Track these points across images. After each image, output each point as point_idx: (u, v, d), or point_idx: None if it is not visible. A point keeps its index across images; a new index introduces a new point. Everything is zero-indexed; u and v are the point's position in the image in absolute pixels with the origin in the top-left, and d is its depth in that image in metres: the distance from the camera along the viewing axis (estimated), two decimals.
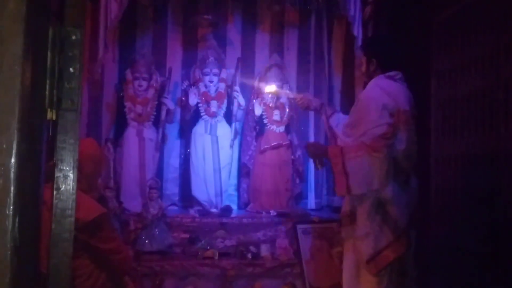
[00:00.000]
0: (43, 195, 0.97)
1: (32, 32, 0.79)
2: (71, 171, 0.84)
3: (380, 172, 2.18)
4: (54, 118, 0.95)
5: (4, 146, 0.70)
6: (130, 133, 4.09)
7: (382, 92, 2.26)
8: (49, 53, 0.86)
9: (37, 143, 0.87)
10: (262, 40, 4.76)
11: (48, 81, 0.87)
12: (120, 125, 4.20)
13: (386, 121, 2.19)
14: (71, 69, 0.88)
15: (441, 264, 3.12)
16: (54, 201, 0.83)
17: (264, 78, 4.30)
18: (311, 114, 4.51)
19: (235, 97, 4.21)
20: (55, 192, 0.83)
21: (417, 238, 2.35)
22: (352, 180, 2.19)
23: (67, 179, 0.83)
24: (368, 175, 2.20)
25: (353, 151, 2.22)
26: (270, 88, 3.81)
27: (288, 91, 4.15)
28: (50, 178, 0.90)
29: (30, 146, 0.80)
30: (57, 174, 0.84)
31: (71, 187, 0.83)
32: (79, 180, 2.03)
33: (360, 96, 2.38)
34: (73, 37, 0.88)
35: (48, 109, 0.95)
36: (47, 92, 0.87)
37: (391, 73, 2.34)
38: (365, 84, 2.45)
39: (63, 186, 0.83)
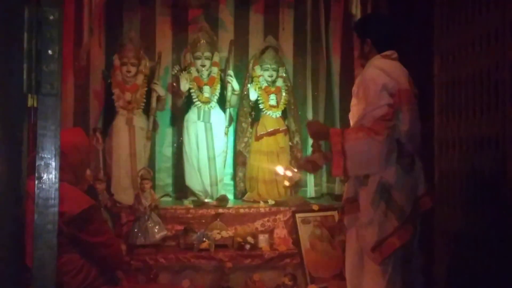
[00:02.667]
0: (28, 187, 0.97)
1: (6, 12, 0.78)
2: (53, 159, 0.84)
3: (380, 154, 2.19)
4: (35, 104, 0.94)
5: None
6: (119, 122, 4.07)
7: (380, 73, 2.27)
8: (25, 35, 0.85)
9: (17, 130, 0.87)
10: (256, 21, 4.73)
11: (25, 65, 0.86)
12: (109, 113, 4.17)
13: (386, 102, 2.20)
14: (49, 51, 0.87)
15: (446, 250, 3.15)
16: (36, 191, 0.83)
17: (259, 61, 4.28)
18: (309, 97, 4.50)
19: (228, 82, 4.19)
20: (36, 182, 0.83)
21: (421, 224, 2.37)
22: (349, 162, 2.21)
23: (48, 167, 0.83)
24: (366, 158, 2.22)
25: (353, 132, 2.26)
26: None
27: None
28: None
29: (8, 133, 0.80)
30: (38, 162, 0.84)
31: (53, 176, 0.83)
32: (66, 172, 2.04)
33: (359, 79, 2.39)
34: (51, 17, 0.86)
35: (29, 96, 0.94)
36: (24, 76, 0.86)
37: (387, 53, 2.37)
38: (362, 67, 2.46)
39: (45, 175, 0.83)
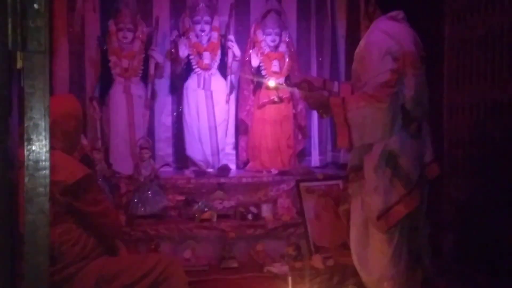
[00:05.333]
0: (21, 155, 0.95)
1: None
2: (42, 119, 0.81)
3: (384, 122, 2.16)
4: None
5: None
6: (117, 90, 4.04)
7: (384, 35, 2.22)
8: None
9: (2, 88, 0.84)
10: None
11: (9, 20, 0.83)
12: (106, 81, 4.14)
13: (389, 67, 2.15)
14: (35, 5, 0.84)
15: (454, 219, 3.16)
16: (26, 153, 0.81)
17: (260, 25, 4.21)
18: (313, 64, 4.44)
19: (229, 47, 4.13)
20: (25, 143, 0.81)
21: (429, 192, 2.36)
22: (354, 132, 2.19)
23: (38, 127, 0.81)
24: (371, 127, 2.19)
25: (355, 101, 2.21)
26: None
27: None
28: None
29: None
30: (26, 123, 0.82)
31: (43, 137, 0.81)
32: (60, 139, 2.02)
33: (361, 42, 2.33)
34: None
35: (18, 56, 0.91)
36: (9, 32, 0.83)
37: (393, 13, 2.30)
38: (366, 28, 2.40)
39: (34, 135, 0.81)
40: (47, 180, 0.83)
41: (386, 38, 2.21)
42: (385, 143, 2.20)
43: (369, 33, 2.31)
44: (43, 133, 0.82)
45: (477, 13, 2.94)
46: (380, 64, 2.17)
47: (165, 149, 4.51)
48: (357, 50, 2.35)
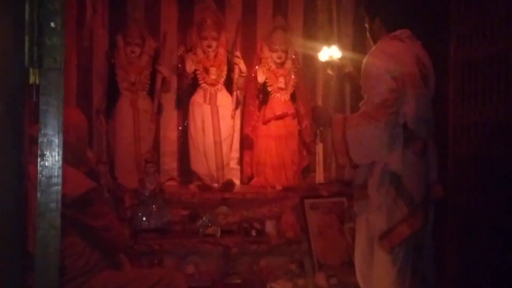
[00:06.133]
0: (28, 171, 0.96)
1: None
2: (56, 136, 0.83)
3: (381, 141, 2.18)
4: (37, 82, 0.93)
5: None
6: (123, 104, 4.07)
7: (383, 56, 2.24)
8: (26, 6, 0.84)
9: (18, 105, 0.86)
10: (265, 0, 4.67)
11: (27, 38, 0.85)
12: (112, 95, 4.16)
13: (387, 87, 2.17)
14: (52, 24, 0.86)
15: (459, 239, 3.13)
16: (39, 169, 0.82)
17: (267, 42, 4.24)
18: (319, 80, 4.46)
19: (236, 63, 4.15)
20: (39, 159, 0.82)
21: (434, 212, 2.35)
22: (351, 149, 2.22)
23: (51, 144, 0.82)
24: (368, 145, 2.22)
25: (354, 120, 2.26)
26: None
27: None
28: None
29: (9, 108, 0.79)
30: (41, 139, 0.83)
31: (57, 153, 0.82)
32: (65, 153, 2.04)
33: (364, 61, 2.36)
34: None
35: (31, 72, 0.92)
36: (26, 50, 0.85)
37: (397, 33, 2.31)
38: (370, 47, 2.43)
39: (48, 152, 0.82)
40: (59, 196, 0.83)
41: (384, 58, 2.24)
42: (385, 162, 2.20)
43: (370, 53, 2.34)
44: (57, 149, 0.83)
45: (482, 35, 2.96)
46: (379, 84, 2.19)
47: (170, 163, 4.51)
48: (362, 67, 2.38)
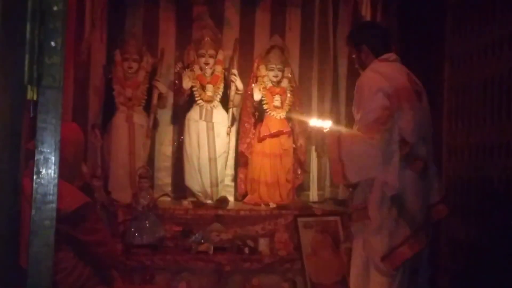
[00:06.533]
0: (23, 186, 0.96)
1: (8, 1, 0.77)
2: (52, 154, 0.83)
3: (375, 158, 2.19)
4: (35, 98, 0.94)
5: None
6: (119, 118, 4.07)
7: (375, 75, 2.29)
8: (28, 25, 0.85)
9: (16, 123, 0.86)
10: (262, 19, 4.71)
11: (27, 56, 0.86)
12: (108, 109, 4.16)
13: (380, 104, 2.20)
14: (52, 43, 0.87)
15: (452, 261, 3.13)
16: (34, 186, 0.82)
17: (264, 61, 4.28)
18: (314, 98, 4.50)
19: (232, 81, 4.18)
20: (35, 177, 0.83)
21: (432, 233, 2.35)
22: (347, 168, 2.23)
23: (47, 162, 0.82)
24: (363, 163, 2.23)
25: (349, 138, 2.29)
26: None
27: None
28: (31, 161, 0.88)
29: (7, 125, 0.79)
30: (37, 156, 0.83)
31: (53, 171, 0.82)
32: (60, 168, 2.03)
33: (357, 83, 2.40)
34: (55, 8, 0.86)
35: (29, 88, 0.93)
36: (26, 68, 0.86)
37: (385, 56, 2.39)
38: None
39: (44, 170, 0.82)
40: (54, 214, 0.84)
41: (376, 76, 2.29)
42: (383, 181, 2.20)
43: (362, 74, 2.39)
44: (53, 167, 0.83)
45: (476, 59, 3.01)
46: (371, 101, 2.23)
47: (164, 179, 4.51)
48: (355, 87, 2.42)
